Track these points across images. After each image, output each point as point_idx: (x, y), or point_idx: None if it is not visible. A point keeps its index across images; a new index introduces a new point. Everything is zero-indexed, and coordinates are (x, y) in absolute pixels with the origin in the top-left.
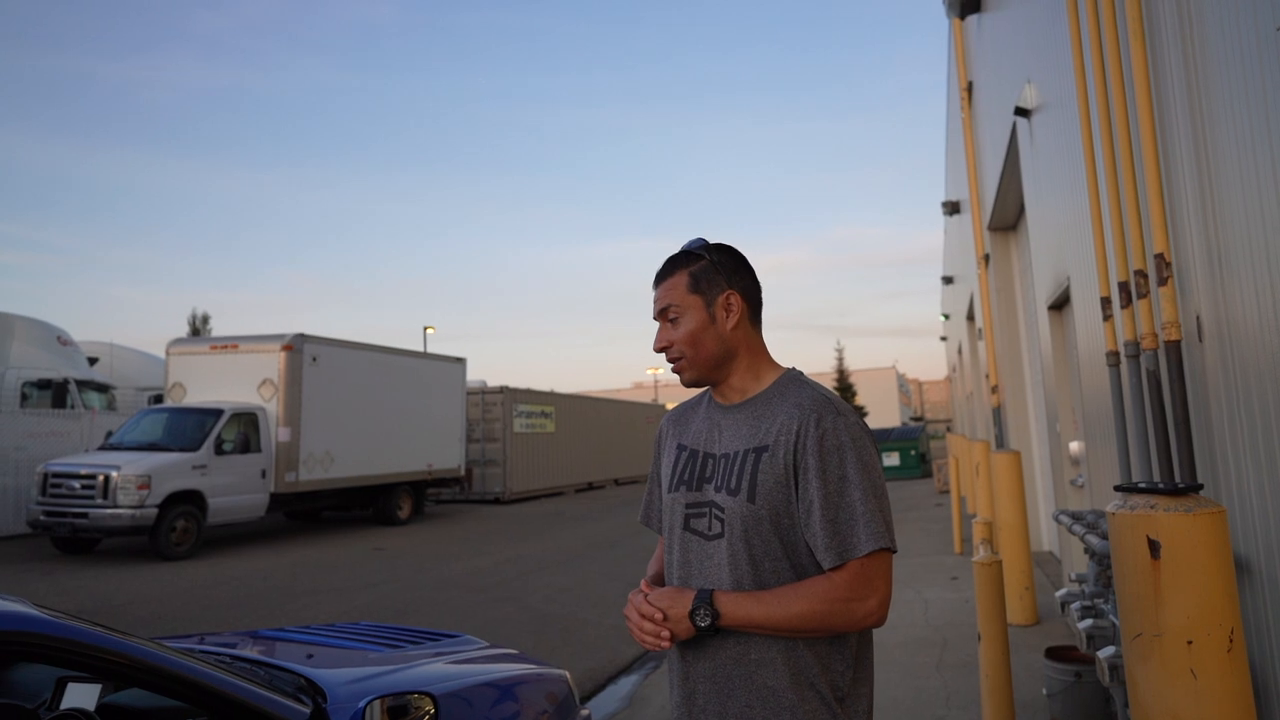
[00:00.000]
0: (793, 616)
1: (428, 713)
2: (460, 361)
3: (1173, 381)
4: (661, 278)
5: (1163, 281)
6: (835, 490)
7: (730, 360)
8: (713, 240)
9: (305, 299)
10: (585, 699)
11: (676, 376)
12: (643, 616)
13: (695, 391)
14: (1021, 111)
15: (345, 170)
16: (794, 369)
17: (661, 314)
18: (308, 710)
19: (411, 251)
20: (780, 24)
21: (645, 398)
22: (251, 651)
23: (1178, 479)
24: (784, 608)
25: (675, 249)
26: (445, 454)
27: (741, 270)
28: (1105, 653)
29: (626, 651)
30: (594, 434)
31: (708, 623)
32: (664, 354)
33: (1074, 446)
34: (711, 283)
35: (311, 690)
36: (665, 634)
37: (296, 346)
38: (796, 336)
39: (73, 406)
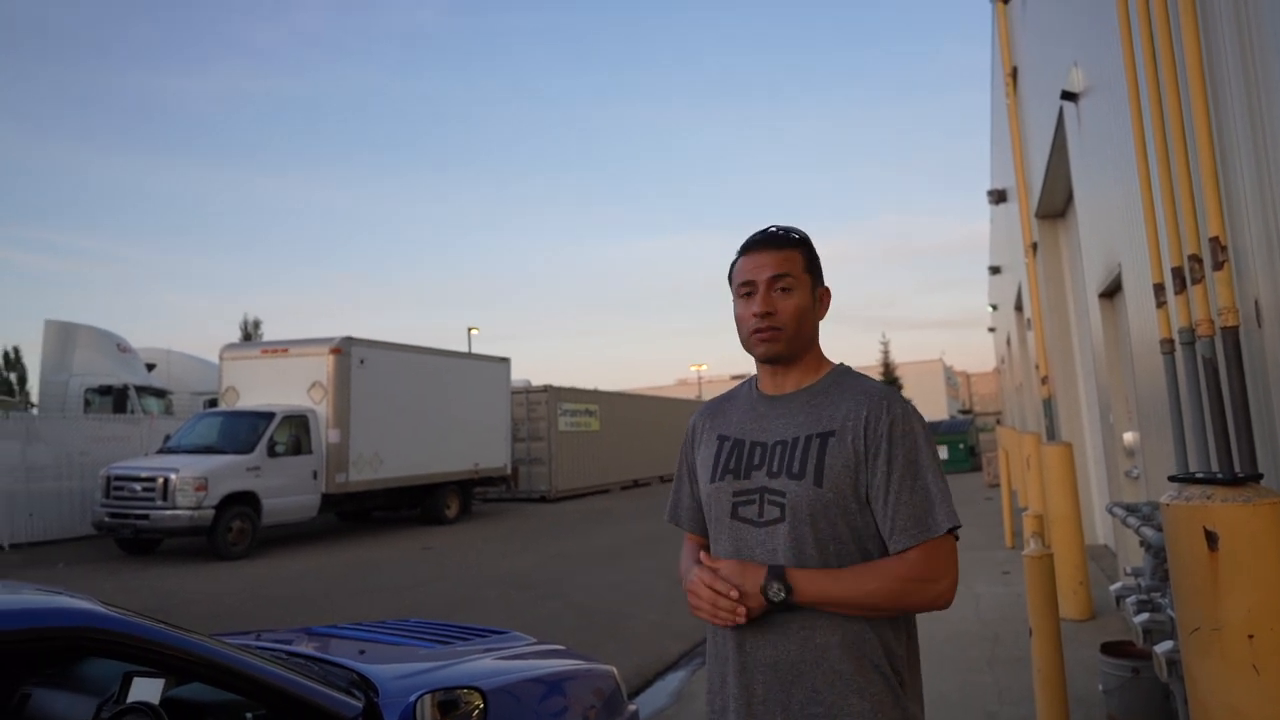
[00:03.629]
0: (867, 593)
1: (477, 707)
2: (505, 361)
3: (1230, 368)
4: (773, 246)
5: (1218, 266)
6: (910, 473)
7: (809, 347)
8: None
9: (352, 302)
10: (633, 695)
11: (761, 346)
12: (717, 594)
13: (723, 387)
14: (1068, 95)
15: (390, 173)
16: (843, 363)
17: (771, 281)
18: (360, 704)
19: (455, 252)
20: (820, 16)
21: (688, 394)
22: (306, 647)
23: (1236, 468)
24: (859, 584)
25: (721, 243)
26: (491, 453)
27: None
28: (1163, 648)
29: (673, 648)
30: (638, 431)
31: (781, 597)
32: (765, 319)
33: (1128, 437)
34: (816, 271)
35: (364, 685)
36: (742, 610)
37: (344, 349)
38: (842, 330)
39: (133, 411)
